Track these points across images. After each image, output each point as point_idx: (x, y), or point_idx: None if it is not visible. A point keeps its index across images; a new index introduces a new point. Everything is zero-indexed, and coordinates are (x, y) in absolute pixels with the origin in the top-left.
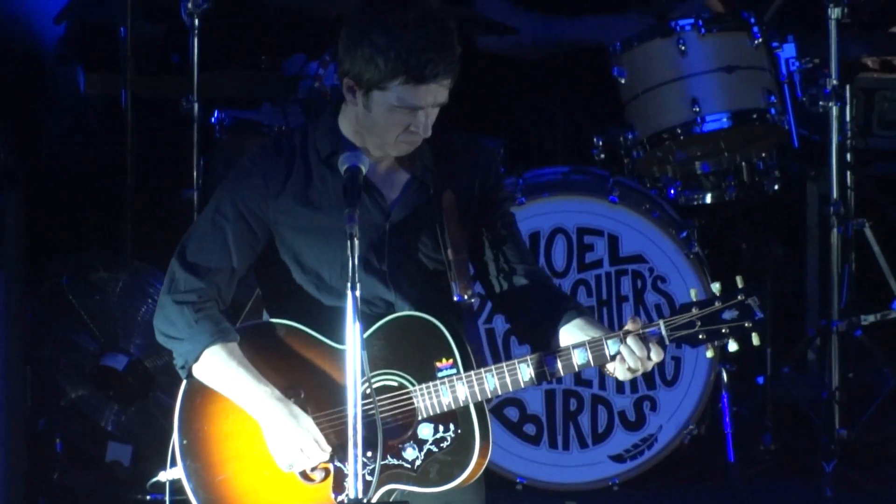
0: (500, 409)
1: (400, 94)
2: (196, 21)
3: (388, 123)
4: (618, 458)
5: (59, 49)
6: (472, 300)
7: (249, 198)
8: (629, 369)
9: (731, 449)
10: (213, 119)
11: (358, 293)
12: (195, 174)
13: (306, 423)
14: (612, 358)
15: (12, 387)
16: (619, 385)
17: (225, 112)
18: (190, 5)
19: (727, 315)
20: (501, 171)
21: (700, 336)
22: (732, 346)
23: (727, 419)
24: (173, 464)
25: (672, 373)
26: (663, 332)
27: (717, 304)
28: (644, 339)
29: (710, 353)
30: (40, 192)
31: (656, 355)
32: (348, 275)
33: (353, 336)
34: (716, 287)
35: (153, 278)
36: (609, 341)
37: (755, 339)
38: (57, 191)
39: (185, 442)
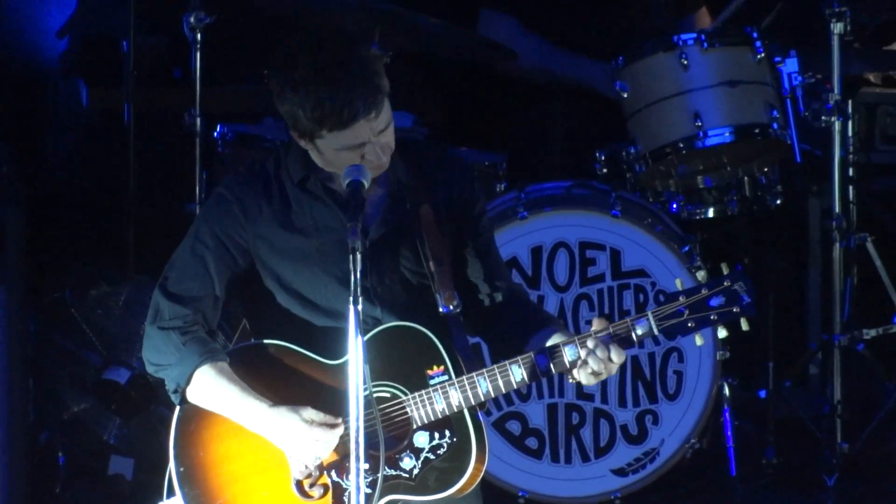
0: (503, 422)
1: (333, 139)
2: (198, 35)
3: (341, 161)
4: (620, 472)
5: (61, 63)
6: (458, 310)
7: (227, 224)
8: (592, 373)
9: (733, 463)
10: (215, 133)
11: (360, 307)
12: (198, 188)
13: (307, 413)
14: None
15: (15, 400)
16: (622, 399)
17: (227, 126)
18: (192, 19)
19: (714, 302)
20: (476, 185)
21: (689, 324)
22: (722, 333)
23: (729, 433)
24: (171, 493)
25: (674, 387)
26: (652, 323)
27: (704, 291)
28: (605, 343)
29: (699, 341)
30: (43, 205)
31: (617, 357)
32: (332, 294)
33: (356, 349)
34: (701, 275)
35: None
36: (589, 339)
37: (744, 325)
38: (59, 204)
39: (181, 469)
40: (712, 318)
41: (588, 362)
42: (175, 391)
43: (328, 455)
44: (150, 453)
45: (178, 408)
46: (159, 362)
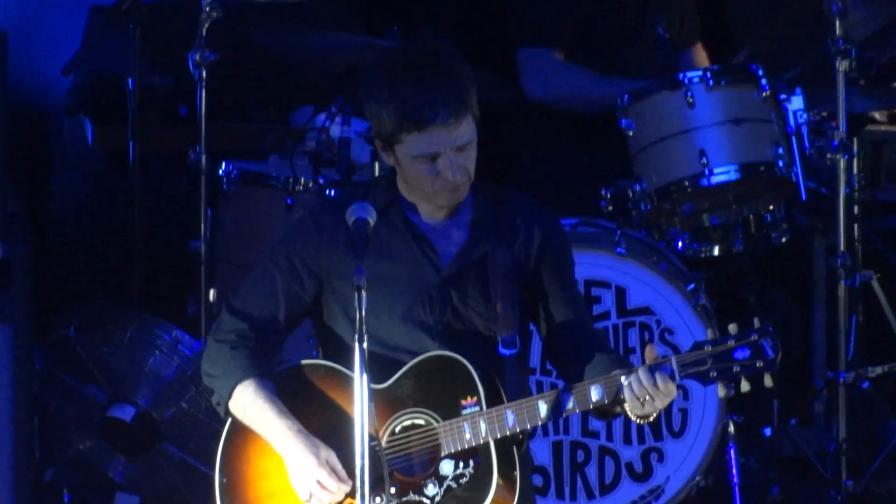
0: None
1: (411, 144)
2: (203, 73)
3: (417, 174)
4: None
5: (66, 101)
6: (516, 352)
7: (303, 248)
8: (636, 397)
9: (738, 500)
10: (220, 171)
11: (365, 345)
12: (203, 225)
13: (326, 454)
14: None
15: (20, 437)
16: (627, 436)
17: (232, 164)
18: (197, 57)
19: (739, 354)
20: (565, 236)
21: (711, 374)
22: (744, 387)
23: (734, 470)
24: None
25: (679, 424)
26: (675, 368)
27: (730, 343)
28: (651, 369)
29: (721, 393)
30: (48, 243)
31: (663, 383)
32: (390, 325)
33: (361, 388)
34: (732, 327)
35: (160, 329)
36: (622, 377)
37: (767, 381)
38: (65, 242)
39: (224, 480)
40: (735, 369)
41: (632, 387)
42: (218, 403)
43: (323, 501)
44: (155, 490)
45: (228, 421)
46: (209, 372)
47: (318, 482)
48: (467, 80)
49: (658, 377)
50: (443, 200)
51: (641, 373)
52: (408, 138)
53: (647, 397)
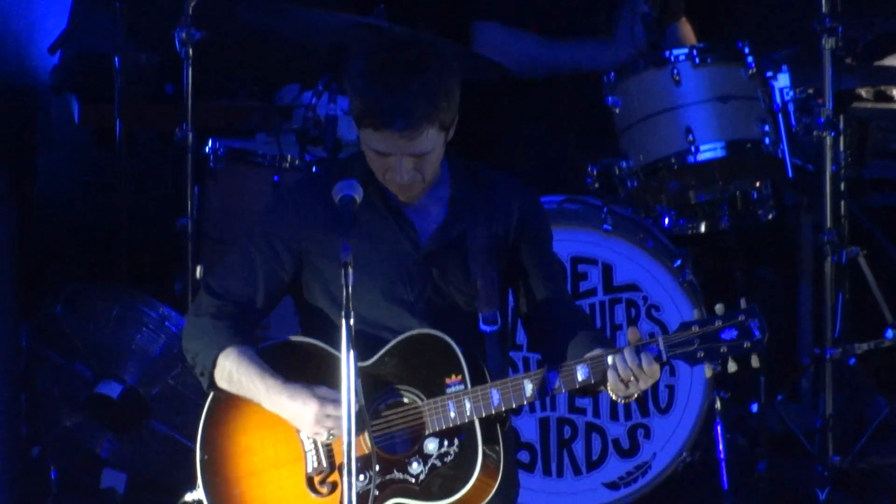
0: None
1: (367, 137)
2: (189, 51)
3: (372, 163)
4: (612, 486)
5: (53, 80)
6: (497, 329)
7: (282, 228)
8: (621, 380)
9: (724, 476)
10: (207, 148)
11: (352, 322)
12: (189, 203)
13: (320, 390)
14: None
15: (7, 415)
16: (614, 412)
17: (219, 141)
18: (184, 35)
19: (726, 335)
20: (543, 210)
21: (698, 354)
22: (731, 367)
23: (721, 447)
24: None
25: (666, 400)
26: (662, 349)
27: (717, 324)
28: (637, 350)
29: (709, 373)
30: (34, 221)
31: (647, 364)
32: (372, 303)
33: (348, 364)
34: (719, 308)
35: (147, 306)
36: (609, 357)
37: (754, 361)
38: (51, 220)
39: (205, 457)
40: (722, 350)
41: (617, 367)
42: (202, 374)
43: (342, 432)
44: (142, 467)
45: (209, 398)
46: (190, 347)
47: (328, 416)
48: (445, 92)
49: (643, 358)
50: (399, 194)
51: (627, 353)
52: (363, 131)
53: (632, 379)
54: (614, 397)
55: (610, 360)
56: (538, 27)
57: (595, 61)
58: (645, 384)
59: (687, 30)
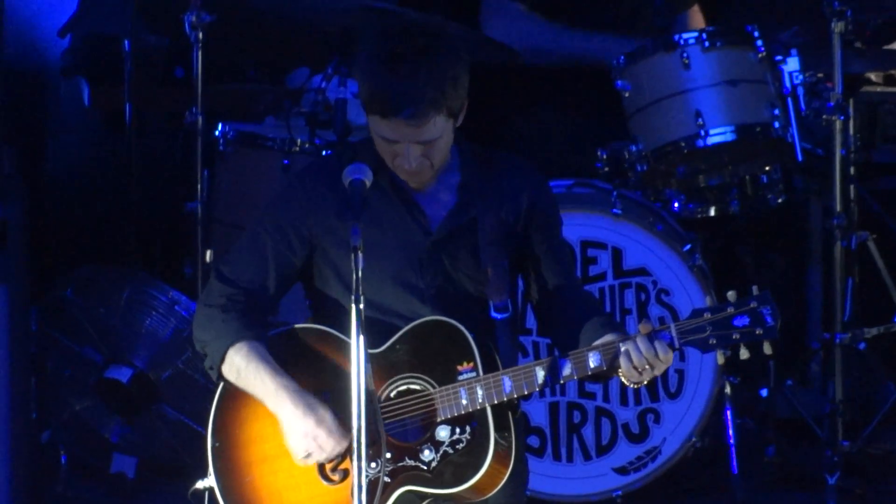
0: None
1: (374, 123)
2: (199, 34)
3: (380, 149)
4: (621, 471)
5: (63, 62)
6: (508, 316)
7: (292, 213)
8: (634, 367)
9: (734, 461)
10: (216, 132)
11: (362, 306)
12: (199, 187)
13: (323, 413)
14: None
15: (17, 399)
16: (623, 397)
17: (229, 125)
18: (193, 19)
19: (738, 322)
20: (552, 195)
21: (710, 341)
22: (744, 354)
23: (730, 431)
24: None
25: (676, 385)
26: (674, 336)
27: (730, 311)
28: (651, 339)
29: (720, 360)
30: (45, 204)
31: (663, 353)
32: (384, 289)
33: (358, 348)
34: (731, 295)
35: (157, 291)
36: (621, 345)
37: (766, 348)
38: (61, 203)
39: (216, 444)
40: (734, 336)
41: (631, 355)
42: (210, 368)
43: (321, 460)
44: (153, 451)
45: (220, 386)
46: (201, 338)
47: (316, 441)
48: (453, 78)
49: (658, 346)
50: (409, 180)
51: (641, 342)
52: (371, 118)
53: (647, 367)
54: (626, 382)
55: (623, 348)
56: (558, 13)
57: (604, 53)
58: (658, 371)
59: (698, 18)
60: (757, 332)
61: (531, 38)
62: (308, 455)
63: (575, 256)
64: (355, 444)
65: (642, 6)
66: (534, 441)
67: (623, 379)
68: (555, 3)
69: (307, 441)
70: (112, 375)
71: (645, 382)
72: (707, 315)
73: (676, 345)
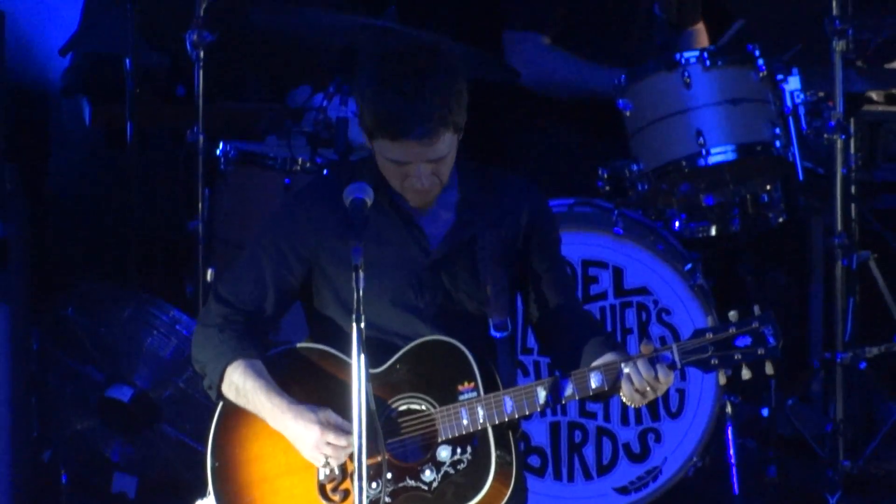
0: None
1: (382, 147)
2: (201, 53)
3: (388, 173)
4: (622, 490)
5: (64, 81)
6: (508, 335)
7: (291, 233)
8: (636, 390)
9: (735, 481)
10: (218, 151)
11: (363, 325)
12: (200, 205)
13: (324, 415)
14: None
15: (18, 418)
16: (624, 417)
17: (230, 144)
18: (195, 37)
19: (740, 342)
20: (551, 214)
21: (712, 361)
22: (745, 374)
23: (731, 451)
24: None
25: (677, 405)
26: (675, 356)
27: (732, 331)
28: (652, 362)
29: (722, 380)
30: (46, 223)
31: (664, 376)
32: (381, 308)
33: (359, 367)
34: (733, 315)
35: (158, 309)
36: (623, 366)
37: (768, 368)
38: (63, 222)
39: (216, 465)
40: (736, 357)
41: (632, 378)
42: (209, 387)
43: (340, 460)
44: (153, 471)
45: (219, 405)
46: (199, 358)
47: (329, 444)
48: (456, 94)
49: (659, 370)
50: (412, 201)
51: (641, 365)
52: (379, 142)
53: (648, 389)
54: (627, 402)
55: (625, 370)
56: (580, 47)
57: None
58: (660, 392)
59: (703, 37)
60: (759, 353)
61: (556, 74)
62: (327, 461)
63: (575, 275)
64: (356, 464)
65: (649, 25)
66: (535, 461)
67: (624, 399)
68: (576, 36)
69: (322, 448)
70: (113, 394)
71: (646, 402)
72: (709, 335)
73: (678, 365)
